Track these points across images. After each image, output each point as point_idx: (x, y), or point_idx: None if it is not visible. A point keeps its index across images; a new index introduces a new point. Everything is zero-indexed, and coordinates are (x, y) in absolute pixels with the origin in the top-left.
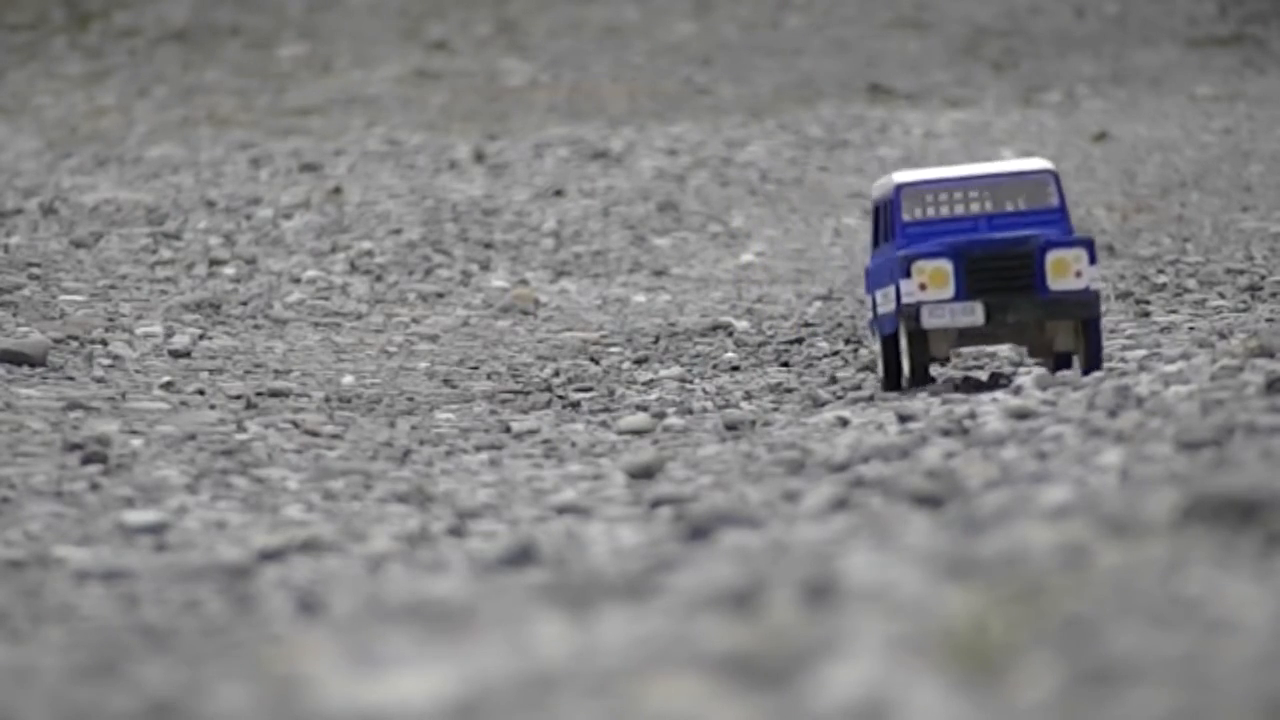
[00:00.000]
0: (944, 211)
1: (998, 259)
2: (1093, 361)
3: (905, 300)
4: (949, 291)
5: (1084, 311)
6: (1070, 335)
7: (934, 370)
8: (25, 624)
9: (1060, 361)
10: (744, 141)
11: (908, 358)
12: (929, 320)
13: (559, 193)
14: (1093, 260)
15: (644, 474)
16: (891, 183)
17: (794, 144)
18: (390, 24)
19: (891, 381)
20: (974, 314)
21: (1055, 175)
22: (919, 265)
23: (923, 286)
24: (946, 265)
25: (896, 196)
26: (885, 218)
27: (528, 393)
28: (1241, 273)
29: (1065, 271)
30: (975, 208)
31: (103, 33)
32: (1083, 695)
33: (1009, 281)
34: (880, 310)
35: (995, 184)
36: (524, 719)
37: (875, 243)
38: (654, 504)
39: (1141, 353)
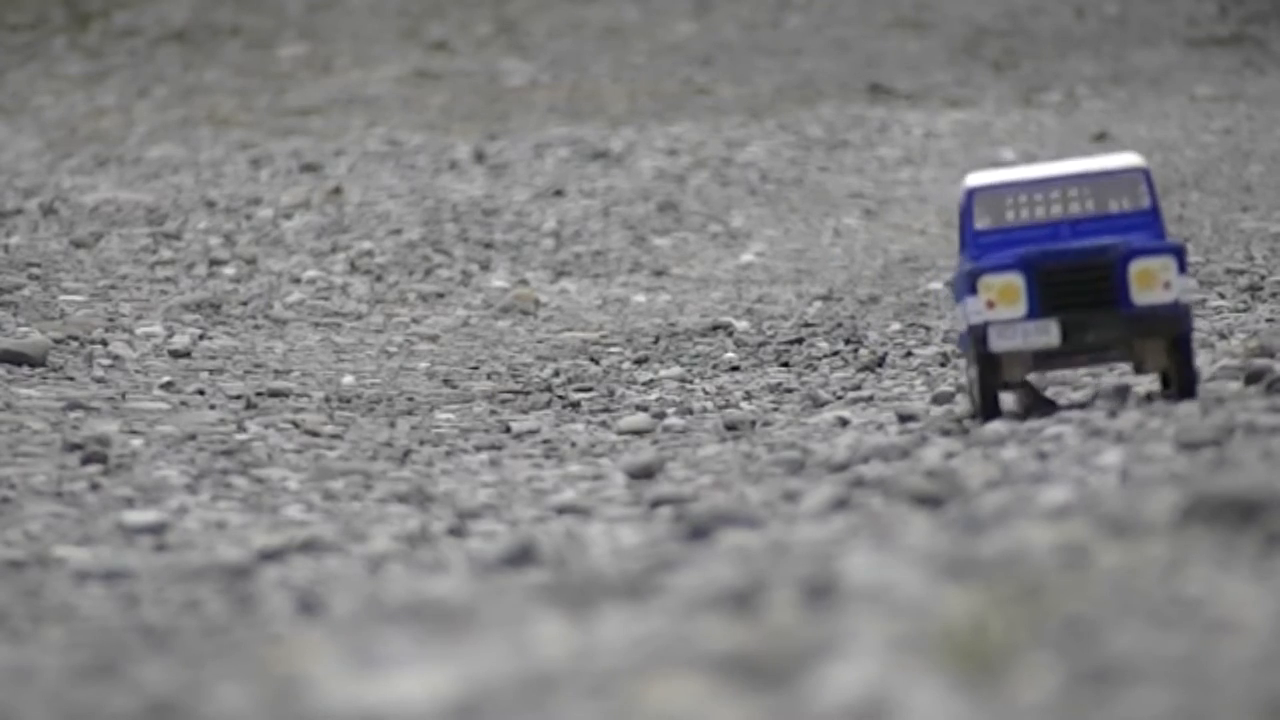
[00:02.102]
0: (1021, 217)
1: (1074, 271)
2: (1185, 386)
3: (972, 320)
4: (1020, 309)
5: (1173, 328)
6: (1161, 355)
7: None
8: (25, 624)
9: (1167, 379)
10: (744, 141)
11: (977, 384)
12: (998, 342)
13: (559, 193)
14: (1183, 269)
15: (644, 474)
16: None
17: (794, 144)
18: (390, 24)
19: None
20: (1048, 334)
21: (1147, 173)
22: (986, 280)
23: (991, 304)
24: (1017, 280)
25: (968, 202)
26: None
27: (528, 393)
28: (1241, 273)
29: (1152, 283)
30: (1056, 211)
31: (103, 33)
32: (1083, 695)
33: (1088, 296)
34: (961, 326)
35: (1079, 185)
36: (524, 719)
37: (961, 250)
38: (654, 504)
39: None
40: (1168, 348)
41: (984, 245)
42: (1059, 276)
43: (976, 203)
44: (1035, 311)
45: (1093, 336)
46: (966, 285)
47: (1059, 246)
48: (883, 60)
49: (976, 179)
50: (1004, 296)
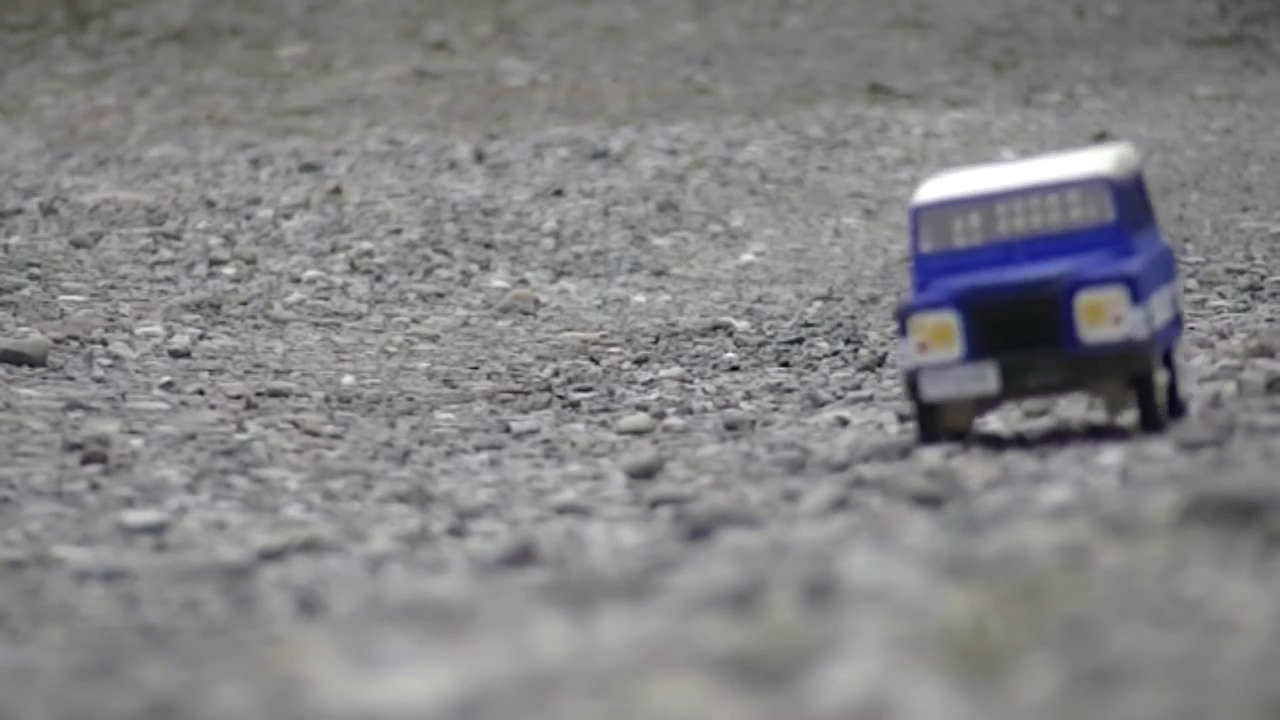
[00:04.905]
0: (971, 237)
1: (1014, 307)
2: (1149, 424)
3: (903, 364)
4: (955, 351)
5: (1127, 367)
6: (1120, 396)
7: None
8: (25, 624)
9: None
10: (744, 141)
11: (917, 430)
12: (930, 390)
13: (559, 193)
14: (1137, 299)
15: (644, 474)
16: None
17: (794, 144)
18: (390, 24)
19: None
20: (985, 379)
21: (1110, 182)
22: (917, 320)
23: (923, 346)
24: (951, 319)
25: (913, 222)
26: None
27: (528, 393)
28: (1241, 273)
29: (1101, 317)
30: (1009, 230)
31: (103, 33)
32: (1083, 695)
33: (1030, 335)
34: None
35: (1035, 197)
36: (524, 719)
37: None
38: (654, 504)
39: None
40: (1126, 389)
41: (930, 271)
42: (997, 314)
43: (922, 223)
44: (972, 354)
45: (1036, 380)
46: (897, 324)
47: (995, 281)
48: (883, 60)
49: (924, 195)
50: (937, 337)
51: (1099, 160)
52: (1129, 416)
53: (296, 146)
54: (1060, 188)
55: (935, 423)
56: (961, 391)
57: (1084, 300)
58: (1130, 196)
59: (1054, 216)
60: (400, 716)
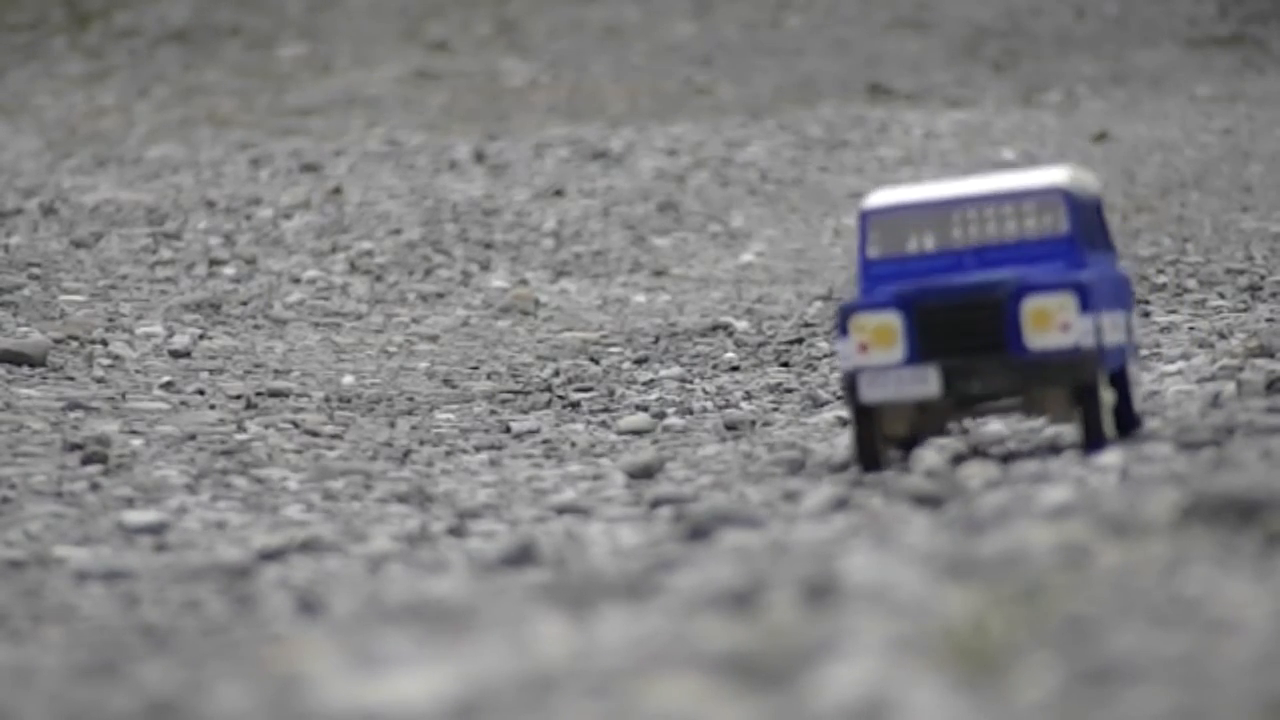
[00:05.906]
0: (921, 244)
1: (959, 310)
2: (1092, 438)
3: (843, 365)
4: (898, 354)
5: (1074, 376)
6: (1064, 406)
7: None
8: (25, 624)
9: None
10: (744, 141)
11: (853, 439)
12: (868, 391)
13: (559, 193)
14: (1085, 307)
15: (644, 474)
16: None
17: (794, 144)
18: (390, 24)
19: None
20: (926, 382)
21: (1066, 193)
22: (858, 320)
23: (864, 347)
24: (894, 319)
25: (862, 225)
26: None
27: (528, 393)
28: (1241, 273)
29: (1048, 324)
30: (961, 238)
31: (103, 33)
32: (1083, 695)
33: (974, 339)
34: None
35: (988, 207)
36: (524, 719)
37: None
38: (654, 504)
39: (1142, 353)
40: (1072, 398)
41: (876, 277)
42: (941, 316)
43: (871, 227)
44: (914, 356)
45: (979, 385)
46: (838, 324)
47: (940, 283)
48: (883, 60)
49: (873, 199)
50: (879, 338)
51: (1055, 173)
52: (1073, 429)
53: (296, 146)
54: (1015, 197)
55: (872, 428)
56: (901, 394)
57: (1031, 305)
58: (1087, 215)
59: (1007, 226)
60: (400, 716)
